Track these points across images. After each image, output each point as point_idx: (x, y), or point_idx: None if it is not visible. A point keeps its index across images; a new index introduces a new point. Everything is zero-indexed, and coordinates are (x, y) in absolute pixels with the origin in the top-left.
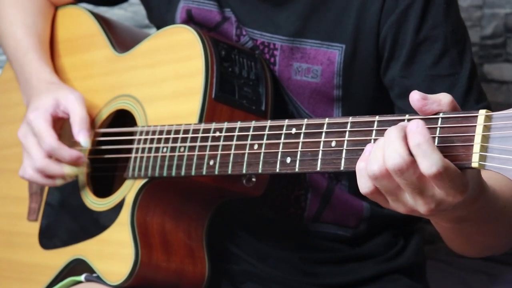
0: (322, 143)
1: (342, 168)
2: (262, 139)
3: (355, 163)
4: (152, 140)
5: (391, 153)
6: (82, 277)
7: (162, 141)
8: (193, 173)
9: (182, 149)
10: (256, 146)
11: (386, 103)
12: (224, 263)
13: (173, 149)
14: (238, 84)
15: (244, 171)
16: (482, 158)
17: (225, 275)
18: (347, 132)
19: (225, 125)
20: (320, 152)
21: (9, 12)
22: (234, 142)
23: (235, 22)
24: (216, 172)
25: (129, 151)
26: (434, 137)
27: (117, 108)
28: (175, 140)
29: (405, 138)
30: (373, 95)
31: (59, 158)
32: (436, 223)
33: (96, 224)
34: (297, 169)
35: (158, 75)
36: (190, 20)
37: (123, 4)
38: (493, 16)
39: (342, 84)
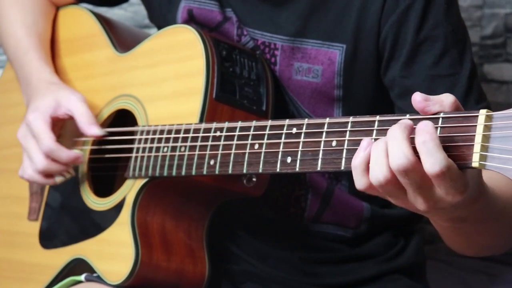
0: (322, 142)
1: (342, 168)
2: (263, 139)
3: None
4: (152, 140)
5: (396, 153)
6: (82, 277)
7: (163, 140)
8: (193, 172)
9: (182, 149)
10: (256, 146)
11: (387, 103)
12: (224, 263)
13: (173, 148)
14: (239, 84)
15: (244, 171)
16: (483, 157)
17: (225, 275)
18: (348, 132)
19: (226, 124)
20: (321, 151)
21: (10, 12)
22: (235, 142)
23: (236, 22)
24: (217, 172)
25: (129, 150)
26: None
27: (118, 108)
28: (175, 139)
29: (409, 138)
30: (374, 95)
31: (57, 159)
32: (435, 222)
33: (97, 223)
34: (297, 169)
35: (159, 75)
36: (191, 20)
37: (123, 4)
38: (493, 16)
39: (342, 84)
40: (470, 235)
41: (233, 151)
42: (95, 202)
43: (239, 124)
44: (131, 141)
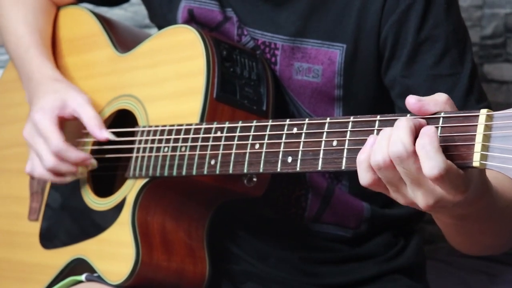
0: (323, 142)
1: (343, 168)
2: (264, 139)
3: None
4: (153, 140)
5: (395, 140)
6: (82, 277)
7: (163, 140)
8: (194, 172)
9: (183, 149)
10: (257, 146)
11: (387, 102)
12: (225, 263)
13: (174, 148)
14: (239, 84)
15: (245, 171)
16: (483, 157)
17: (225, 275)
18: (349, 132)
19: (227, 124)
20: (322, 151)
21: (11, 10)
22: (236, 142)
23: (237, 22)
24: (217, 172)
25: (130, 150)
26: None
27: (119, 108)
28: (176, 139)
29: (413, 130)
30: (374, 95)
31: (66, 159)
32: (438, 219)
33: (97, 223)
34: (298, 169)
35: (160, 75)
36: (192, 19)
37: (123, 4)
38: (493, 16)
39: (343, 84)
40: (472, 233)
41: (233, 151)
42: (95, 202)
43: (240, 124)
44: (132, 141)
